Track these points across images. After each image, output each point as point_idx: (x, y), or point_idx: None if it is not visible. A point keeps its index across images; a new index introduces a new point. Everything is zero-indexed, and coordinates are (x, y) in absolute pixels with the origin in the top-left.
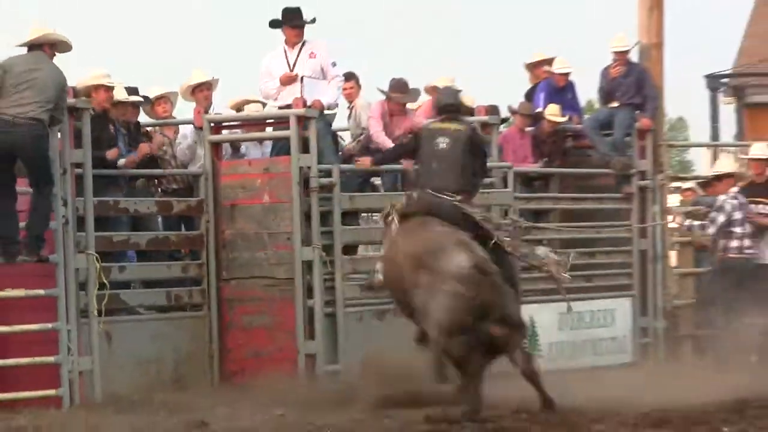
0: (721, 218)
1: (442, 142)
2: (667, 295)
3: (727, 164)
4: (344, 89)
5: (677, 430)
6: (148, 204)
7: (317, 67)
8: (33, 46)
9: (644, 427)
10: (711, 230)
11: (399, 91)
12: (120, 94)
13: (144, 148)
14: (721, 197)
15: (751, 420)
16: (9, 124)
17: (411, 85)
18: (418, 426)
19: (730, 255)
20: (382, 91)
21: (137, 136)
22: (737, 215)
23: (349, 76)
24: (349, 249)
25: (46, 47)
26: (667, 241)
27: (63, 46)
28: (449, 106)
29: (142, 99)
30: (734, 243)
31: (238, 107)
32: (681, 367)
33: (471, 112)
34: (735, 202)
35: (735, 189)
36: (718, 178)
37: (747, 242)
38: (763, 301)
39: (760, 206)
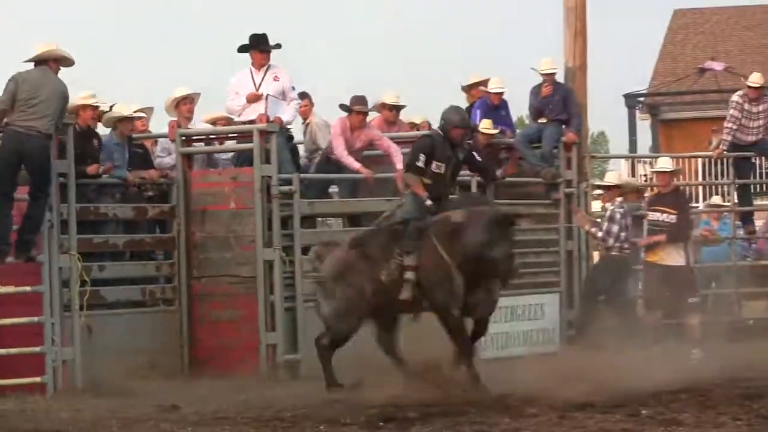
0: (615, 228)
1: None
2: None
3: (613, 176)
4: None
5: (600, 412)
6: (126, 209)
7: (280, 89)
8: (39, 61)
9: (571, 410)
10: (610, 242)
11: (360, 104)
12: (125, 110)
13: (152, 174)
14: (609, 206)
15: (667, 404)
16: (22, 136)
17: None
18: (368, 410)
19: (612, 252)
20: (346, 106)
21: (132, 148)
22: (625, 221)
23: (303, 96)
24: (307, 250)
25: (51, 63)
26: (590, 242)
27: (66, 62)
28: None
29: (144, 114)
30: (616, 243)
31: (213, 122)
32: (603, 356)
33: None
34: (622, 210)
35: (619, 198)
36: (606, 188)
37: (626, 243)
38: (648, 296)
39: (664, 215)
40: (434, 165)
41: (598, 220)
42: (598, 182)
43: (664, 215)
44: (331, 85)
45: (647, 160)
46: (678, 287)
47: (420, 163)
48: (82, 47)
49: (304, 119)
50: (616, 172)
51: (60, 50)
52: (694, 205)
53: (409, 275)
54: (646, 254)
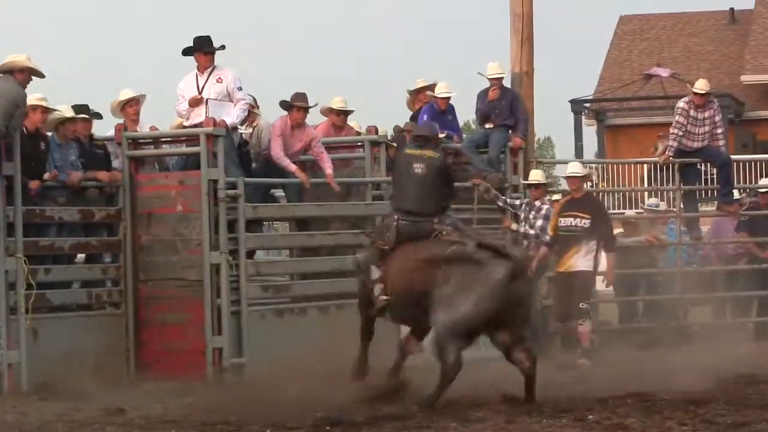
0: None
1: (418, 168)
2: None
3: (537, 175)
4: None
5: (547, 417)
6: (71, 212)
7: (224, 91)
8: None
9: (517, 415)
10: (547, 238)
11: (301, 100)
12: (67, 112)
13: (101, 175)
14: (537, 203)
15: (613, 409)
16: None
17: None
18: (315, 414)
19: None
20: (287, 102)
21: (92, 149)
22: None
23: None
24: (252, 254)
25: (16, 73)
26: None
27: (35, 73)
28: (424, 137)
29: (88, 116)
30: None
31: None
32: (548, 361)
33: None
34: (548, 206)
35: (546, 197)
36: (534, 186)
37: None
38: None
39: (577, 220)
40: None
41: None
42: (524, 181)
43: (578, 220)
44: (281, 86)
45: (593, 165)
46: (575, 291)
47: None
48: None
49: (251, 122)
50: (541, 171)
51: (24, 62)
52: (639, 210)
53: None
54: (558, 264)
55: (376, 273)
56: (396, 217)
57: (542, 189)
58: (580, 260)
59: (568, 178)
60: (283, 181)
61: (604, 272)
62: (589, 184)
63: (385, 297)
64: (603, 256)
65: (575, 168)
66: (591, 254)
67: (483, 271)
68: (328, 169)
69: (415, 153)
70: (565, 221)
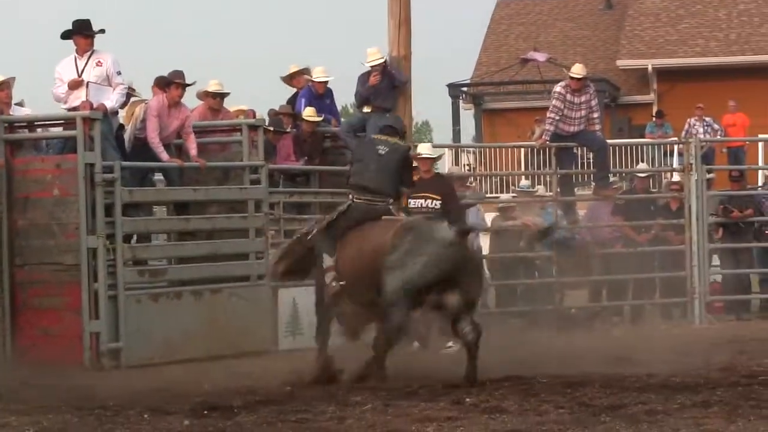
0: None
1: (382, 150)
2: None
3: (425, 148)
4: None
5: (425, 400)
6: None
7: (103, 74)
8: None
9: (395, 398)
10: None
11: (179, 77)
12: None
13: None
14: None
15: (491, 392)
16: None
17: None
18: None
19: None
20: (165, 79)
21: None
22: None
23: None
24: (130, 238)
25: None
26: None
27: None
28: (391, 126)
29: None
30: None
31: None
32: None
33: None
34: None
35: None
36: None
37: None
38: None
39: (428, 201)
40: None
41: None
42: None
43: (428, 201)
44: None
45: (471, 149)
46: None
47: None
48: None
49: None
50: (429, 144)
51: None
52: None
53: None
54: None
55: (327, 261)
56: (351, 195)
57: (430, 162)
58: None
59: (419, 159)
60: (161, 165)
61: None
62: (467, 167)
63: (338, 282)
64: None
65: (425, 149)
66: None
67: (432, 234)
68: (193, 150)
69: (381, 138)
70: (415, 202)
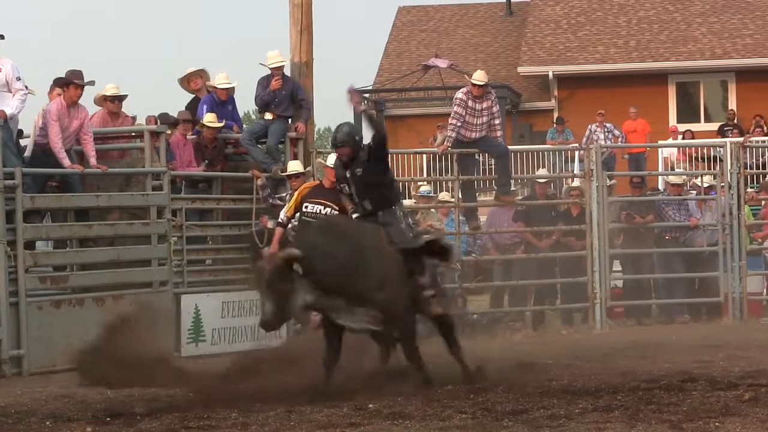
0: None
1: (358, 171)
2: None
3: (295, 165)
4: None
5: (328, 406)
6: None
7: (2, 80)
8: None
9: (298, 404)
10: (282, 218)
11: (78, 77)
12: None
13: None
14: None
15: (393, 397)
16: None
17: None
18: (95, 406)
19: None
20: (63, 80)
21: None
22: None
23: None
24: (31, 245)
25: None
26: None
27: None
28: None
29: None
30: None
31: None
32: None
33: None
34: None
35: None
36: (292, 177)
37: None
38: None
39: (327, 209)
40: (345, 188)
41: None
42: (282, 173)
43: (327, 209)
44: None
45: None
46: None
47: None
48: None
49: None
50: (299, 161)
51: None
52: (415, 201)
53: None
54: None
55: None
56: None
57: (302, 179)
58: None
59: (326, 168)
60: (62, 171)
61: None
62: None
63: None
64: None
65: (294, 167)
66: None
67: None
68: (92, 158)
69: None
70: (313, 207)
